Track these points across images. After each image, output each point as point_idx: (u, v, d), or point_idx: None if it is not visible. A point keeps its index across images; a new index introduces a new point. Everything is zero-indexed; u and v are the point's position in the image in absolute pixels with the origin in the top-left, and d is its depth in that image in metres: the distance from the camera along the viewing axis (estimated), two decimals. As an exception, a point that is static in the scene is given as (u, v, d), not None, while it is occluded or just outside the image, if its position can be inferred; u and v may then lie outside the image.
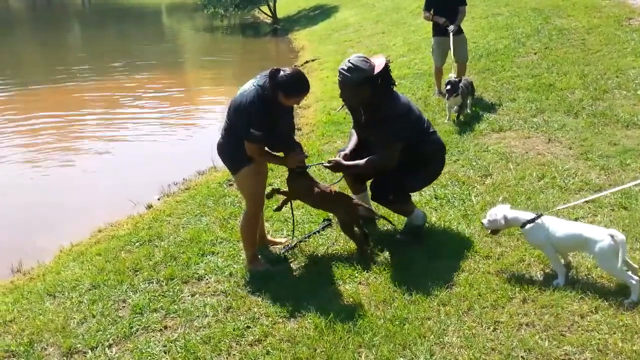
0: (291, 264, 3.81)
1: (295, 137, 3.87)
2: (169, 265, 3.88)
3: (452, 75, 6.58)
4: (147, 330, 3.23)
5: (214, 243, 4.14)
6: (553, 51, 8.30)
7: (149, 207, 5.27)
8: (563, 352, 2.74)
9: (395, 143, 3.67)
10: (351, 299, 3.31)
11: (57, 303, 3.61)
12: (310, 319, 3.15)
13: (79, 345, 3.13)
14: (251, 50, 17.36)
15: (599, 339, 2.79)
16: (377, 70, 3.59)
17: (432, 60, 7.51)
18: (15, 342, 3.22)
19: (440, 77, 7.32)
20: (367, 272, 3.57)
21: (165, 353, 3.02)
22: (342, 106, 3.95)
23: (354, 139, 4.00)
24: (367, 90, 3.61)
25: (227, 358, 2.96)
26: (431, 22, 7.23)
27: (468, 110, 6.43)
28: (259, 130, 3.41)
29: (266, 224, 4.18)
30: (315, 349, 2.91)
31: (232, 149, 3.61)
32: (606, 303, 3.01)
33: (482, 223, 3.52)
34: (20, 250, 4.69)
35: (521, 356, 2.74)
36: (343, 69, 3.60)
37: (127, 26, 26.01)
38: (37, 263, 4.45)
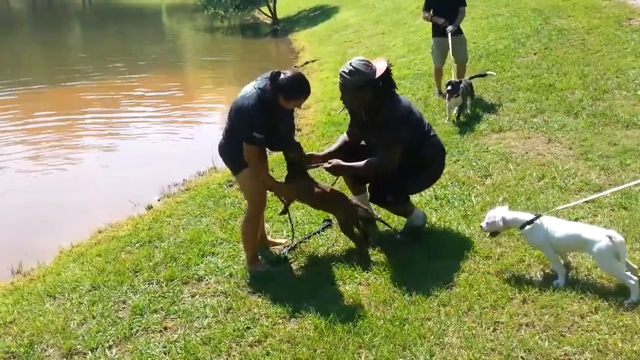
0: (291, 265, 3.81)
1: (295, 138, 3.87)
2: (169, 266, 3.88)
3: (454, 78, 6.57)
4: (147, 331, 3.23)
5: (214, 244, 4.14)
6: (553, 51, 8.31)
7: (149, 207, 5.27)
8: (563, 353, 2.74)
9: (396, 145, 3.67)
10: (351, 300, 3.31)
11: (57, 304, 3.61)
12: (310, 319, 3.15)
13: (79, 347, 3.13)
14: (251, 50, 17.37)
15: (598, 340, 2.78)
16: (378, 74, 3.59)
17: (432, 61, 7.52)
18: (16, 343, 3.22)
19: (440, 78, 7.32)
20: (367, 272, 3.57)
21: (165, 354, 3.02)
22: (343, 108, 3.95)
23: (339, 141, 4.03)
24: (368, 94, 3.61)
25: (227, 359, 2.96)
26: (431, 23, 7.24)
27: (468, 111, 6.44)
28: (260, 133, 3.41)
29: (266, 225, 4.18)
30: (315, 350, 2.91)
31: (233, 150, 3.61)
32: (606, 303, 3.01)
33: (480, 226, 3.52)
34: (20, 251, 4.69)
35: (521, 356, 2.74)
36: (344, 72, 3.60)
37: (128, 26, 26.02)
38: (37, 264, 4.45)
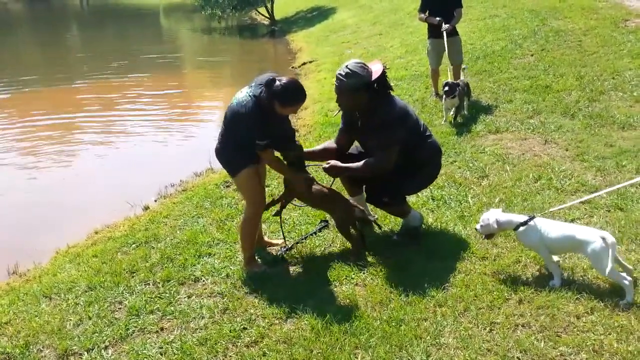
0: (288, 266, 3.81)
1: (294, 138, 3.88)
2: (166, 267, 3.87)
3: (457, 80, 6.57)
4: (143, 331, 3.23)
5: (211, 244, 4.14)
6: (550, 53, 8.33)
7: (146, 208, 5.27)
8: (559, 353, 2.75)
9: (393, 146, 3.67)
10: (348, 300, 3.31)
11: (53, 305, 3.60)
12: (306, 320, 3.15)
13: (75, 347, 3.13)
14: (249, 51, 17.38)
15: (594, 340, 2.79)
16: (374, 76, 3.60)
17: (428, 63, 7.53)
18: (11, 344, 3.21)
19: (437, 79, 7.34)
20: (363, 273, 3.57)
21: (161, 355, 3.02)
22: (339, 110, 3.97)
23: (324, 144, 4.07)
24: (364, 96, 3.62)
25: (223, 359, 2.96)
26: (427, 24, 7.25)
27: (465, 112, 6.45)
28: (262, 139, 3.42)
29: (263, 226, 4.18)
30: (312, 351, 2.92)
31: (229, 152, 3.63)
32: (602, 304, 3.02)
33: (475, 229, 3.54)
34: (16, 252, 4.68)
35: (517, 357, 2.75)
36: (340, 74, 3.61)
37: (125, 27, 26.05)
38: (34, 264, 4.44)
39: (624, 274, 3.06)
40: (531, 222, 3.27)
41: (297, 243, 4.02)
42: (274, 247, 4.03)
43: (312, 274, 3.65)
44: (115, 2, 39.32)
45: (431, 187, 4.46)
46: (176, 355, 2.99)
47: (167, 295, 3.55)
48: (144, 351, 3.04)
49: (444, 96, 6.27)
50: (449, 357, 2.80)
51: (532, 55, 8.40)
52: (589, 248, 3.06)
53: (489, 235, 3.50)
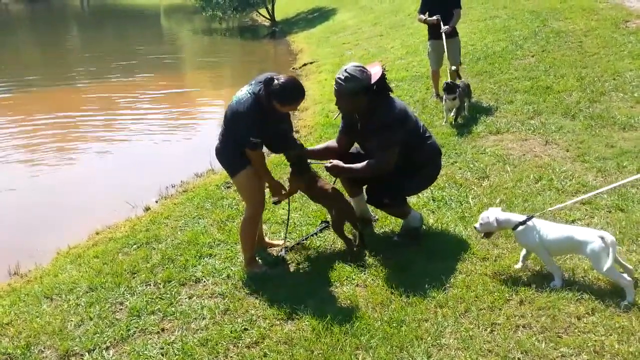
0: (288, 266, 3.81)
1: (294, 137, 3.88)
2: (167, 268, 3.88)
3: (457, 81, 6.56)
4: (144, 332, 3.23)
5: (212, 245, 4.14)
6: (550, 54, 8.33)
7: (147, 209, 5.27)
8: (560, 354, 2.75)
9: (393, 147, 3.67)
10: (348, 301, 3.31)
11: (54, 305, 3.60)
12: (307, 321, 3.15)
13: (76, 348, 3.13)
14: (250, 52, 17.40)
15: (595, 341, 2.79)
16: (373, 79, 3.60)
17: (429, 64, 7.54)
18: (12, 344, 3.22)
19: (438, 80, 7.34)
20: (364, 274, 3.57)
21: (162, 355, 3.02)
22: (339, 114, 3.97)
23: (326, 143, 4.07)
24: (363, 99, 3.63)
25: (224, 360, 2.96)
26: (427, 26, 7.25)
27: (465, 113, 6.45)
28: (258, 137, 3.43)
29: (264, 226, 4.18)
30: (313, 351, 2.92)
31: (230, 152, 3.63)
32: (603, 305, 3.02)
33: (474, 227, 3.54)
34: (17, 252, 4.68)
35: (518, 358, 2.75)
36: (340, 78, 3.61)
37: (126, 28, 26.07)
38: (35, 265, 4.44)
39: (624, 275, 3.06)
40: (529, 222, 3.28)
41: (298, 244, 4.02)
42: (275, 248, 4.03)
43: (312, 275, 3.66)
44: (116, 3, 39.40)
45: (432, 188, 4.46)
46: (177, 356, 2.99)
47: (168, 296, 3.55)
48: (145, 352, 3.04)
49: (444, 97, 6.27)
50: (450, 357, 2.80)
51: (532, 56, 8.40)
52: (588, 248, 3.06)
53: (488, 234, 3.51)
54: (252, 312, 3.31)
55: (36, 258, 4.53)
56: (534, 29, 9.61)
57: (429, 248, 3.79)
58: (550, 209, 3.74)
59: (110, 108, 10.57)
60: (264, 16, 23.04)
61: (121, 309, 3.49)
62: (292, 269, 3.78)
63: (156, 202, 5.51)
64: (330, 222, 3.88)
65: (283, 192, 3.81)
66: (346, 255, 3.78)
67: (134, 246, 4.29)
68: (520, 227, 3.30)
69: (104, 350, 3.09)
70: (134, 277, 3.82)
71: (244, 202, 4.03)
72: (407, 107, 3.90)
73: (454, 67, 6.85)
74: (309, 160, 3.84)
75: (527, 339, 2.84)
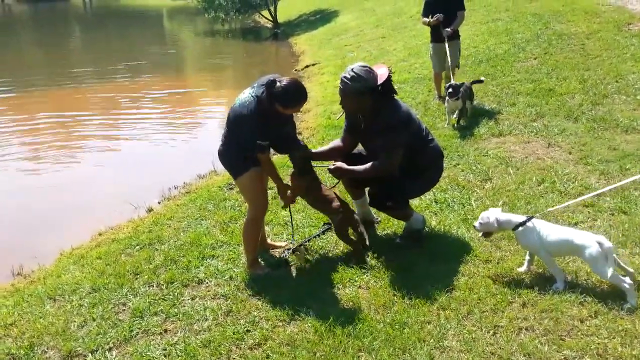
0: (291, 268, 3.81)
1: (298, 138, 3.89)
2: (169, 269, 3.88)
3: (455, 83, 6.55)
4: (147, 333, 3.23)
5: (214, 247, 4.14)
6: (553, 56, 8.33)
7: (150, 210, 5.28)
8: (563, 357, 2.75)
9: (397, 149, 3.67)
10: (351, 303, 3.31)
11: (57, 306, 3.61)
12: (310, 322, 3.15)
13: (79, 349, 3.14)
14: (252, 54, 17.43)
15: (598, 344, 2.79)
16: (380, 80, 3.60)
17: (431, 66, 7.54)
18: (16, 345, 3.22)
19: (440, 82, 7.35)
20: (367, 275, 3.58)
21: (165, 356, 3.02)
22: (342, 113, 3.97)
23: (331, 144, 4.06)
24: (369, 100, 3.62)
25: (227, 362, 2.96)
26: (430, 28, 7.26)
27: (467, 115, 6.45)
28: (263, 140, 3.43)
29: (266, 228, 4.19)
30: (315, 353, 2.92)
31: (232, 154, 3.64)
32: (606, 308, 3.02)
33: (474, 226, 3.53)
34: (20, 253, 4.69)
35: (520, 360, 2.75)
36: (346, 77, 3.60)
37: (129, 29, 26.10)
38: (38, 266, 4.45)
39: (625, 278, 3.05)
40: (529, 223, 3.28)
41: (301, 245, 4.02)
42: (277, 250, 4.04)
43: (315, 277, 3.66)
44: (118, 4, 39.47)
45: (434, 190, 4.46)
46: (180, 357, 2.99)
47: (171, 297, 3.56)
48: (148, 353, 3.05)
49: (447, 98, 6.28)
50: (453, 360, 2.80)
51: (535, 58, 8.41)
52: (586, 252, 3.07)
53: (487, 234, 3.51)
54: (255, 313, 3.31)
55: (39, 259, 4.54)
56: (537, 32, 9.61)
57: (431, 250, 3.79)
58: (550, 209, 3.74)
59: (113, 108, 10.59)
60: (266, 18, 23.07)
61: (124, 309, 3.49)
62: (294, 271, 3.78)
63: (158, 203, 5.52)
64: (334, 229, 3.87)
65: (289, 193, 3.81)
66: (349, 257, 3.78)
67: (137, 247, 4.30)
68: (521, 228, 3.30)
69: (106, 351, 3.10)
70: (136, 278, 3.83)
71: (246, 204, 4.04)
72: (411, 109, 3.90)
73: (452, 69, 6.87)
74: (312, 163, 3.84)
75: (529, 342, 2.84)
